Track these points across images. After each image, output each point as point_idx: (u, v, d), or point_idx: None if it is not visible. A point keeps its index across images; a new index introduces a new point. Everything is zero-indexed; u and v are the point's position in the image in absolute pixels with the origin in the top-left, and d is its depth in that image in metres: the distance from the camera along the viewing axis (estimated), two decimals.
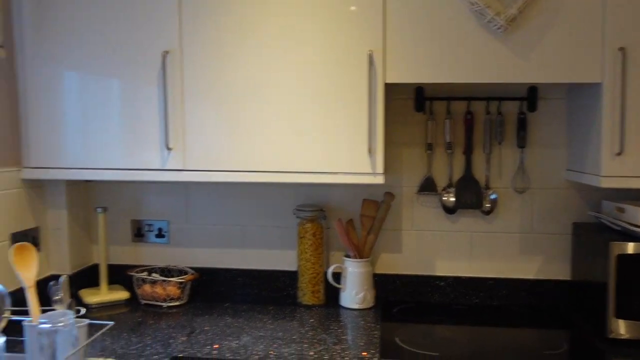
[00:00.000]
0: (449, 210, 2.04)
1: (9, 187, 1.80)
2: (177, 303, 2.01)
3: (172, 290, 1.99)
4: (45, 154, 1.85)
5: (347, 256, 2.00)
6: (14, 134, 1.83)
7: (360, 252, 2.00)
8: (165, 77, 1.76)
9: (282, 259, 2.14)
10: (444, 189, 2.04)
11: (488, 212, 2.02)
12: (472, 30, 1.67)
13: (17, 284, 1.66)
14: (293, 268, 2.13)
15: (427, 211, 2.07)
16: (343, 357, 1.56)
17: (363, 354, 1.58)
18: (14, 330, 1.48)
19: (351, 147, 1.72)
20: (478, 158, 2.02)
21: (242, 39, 1.73)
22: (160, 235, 2.17)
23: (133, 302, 2.04)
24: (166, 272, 2.11)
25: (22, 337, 1.44)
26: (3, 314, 1.50)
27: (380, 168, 1.72)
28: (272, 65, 1.73)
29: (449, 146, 2.01)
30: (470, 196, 2.01)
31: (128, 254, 2.19)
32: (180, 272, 2.11)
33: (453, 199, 2.02)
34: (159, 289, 1.99)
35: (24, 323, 1.41)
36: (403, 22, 1.69)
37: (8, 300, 1.52)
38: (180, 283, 2.01)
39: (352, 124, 1.72)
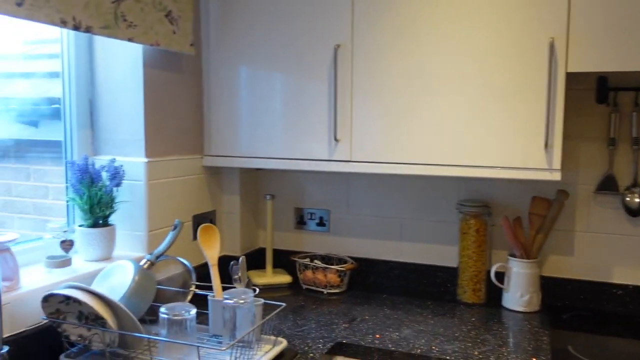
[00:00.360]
0: (632, 212, 1.84)
1: (193, 172, 1.98)
2: (337, 290, 2.06)
3: (333, 277, 2.05)
4: (223, 143, 2.00)
5: (513, 255, 1.91)
6: (199, 125, 2.01)
7: (527, 252, 1.89)
8: (336, 70, 1.80)
9: (441, 254, 2.10)
10: (627, 189, 1.85)
11: None
12: None
13: (197, 260, 1.83)
14: (452, 264, 2.07)
15: (606, 212, 1.89)
16: None
17: (532, 359, 1.50)
18: (193, 302, 1.62)
19: (526, 141, 1.63)
20: None
21: (415, 30, 1.71)
22: (321, 223, 2.24)
23: (295, 286, 2.14)
24: (326, 259, 2.18)
25: (203, 309, 1.58)
26: (190, 287, 1.65)
27: (557, 164, 1.60)
28: (444, 56, 1.69)
29: (636, 142, 1.81)
30: None
31: (290, 240, 2.30)
32: (340, 260, 2.16)
33: (638, 200, 1.83)
34: (320, 276, 2.06)
35: (210, 297, 1.55)
36: (589, 5, 1.55)
37: (194, 276, 1.67)
38: (341, 271, 2.06)
39: (528, 116, 1.62)
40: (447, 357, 1.50)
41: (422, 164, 1.75)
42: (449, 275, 2.08)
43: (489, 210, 1.96)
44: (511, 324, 1.78)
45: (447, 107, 1.70)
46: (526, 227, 1.94)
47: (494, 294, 1.96)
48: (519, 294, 1.87)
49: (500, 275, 1.92)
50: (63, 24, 1.39)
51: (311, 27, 1.83)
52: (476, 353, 1.53)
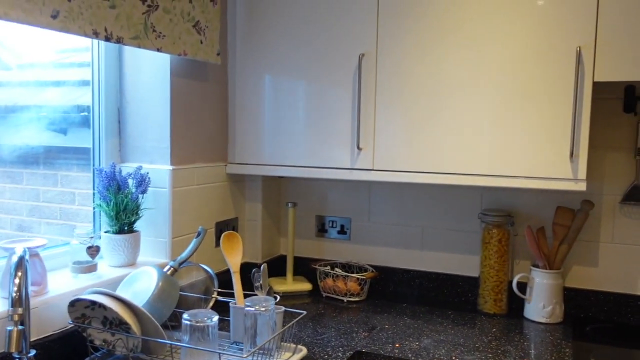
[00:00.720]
0: None
1: (216, 180, 2.01)
2: (357, 299, 2.07)
3: (353, 286, 2.06)
4: (246, 152, 2.02)
5: (535, 266, 1.89)
6: (223, 133, 2.04)
7: (550, 262, 1.87)
8: (360, 79, 1.81)
9: (463, 264, 2.09)
10: None
11: None
12: None
13: (218, 267, 1.85)
14: (474, 274, 2.06)
15: (632, 223, 1.86)
16: None
17: None
18: (215, 308, 1.64)
19: (551, 150, 1.61)
20: None
21: (439, 39, 1.72)
22: (342, 231, 2.25)
23: (314, 293, 2.15)
24: (346, 267, 2.18)
25: (224, 315, 1.60)
26: (212, 294, 1.68)
27: (582, 174, 1.58)
28: (469, 65, 1.68)
29: None
30: None
31: (311, 248, 2.31)
32: (360, 268, 2.16)
33: None
34: (340, 284, 2.07)
35: (231, 304, 1.57)
36: (617, 14, 1.53)
37: (216, 282, 1.69)
38: (361, 279, 2.06)
39: (554, 125, 1.60)
40: None
41: (445, 173, 1.75)
42: (470, 285, 2.06)
43: (512, 220, 1.95)
44: (533, 335, 1.76)
45: (471, 116, 1.69)
46: (550, 238, 1.91)
47: (515, 305, 1.94)
48: (541, 304, 1.85)
49: (523, 286, 1.91)
50: (95, 35, 1.43)
51: (336, 35, 1.84)
52: None
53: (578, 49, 1.56)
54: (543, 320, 1.85)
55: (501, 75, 1.65)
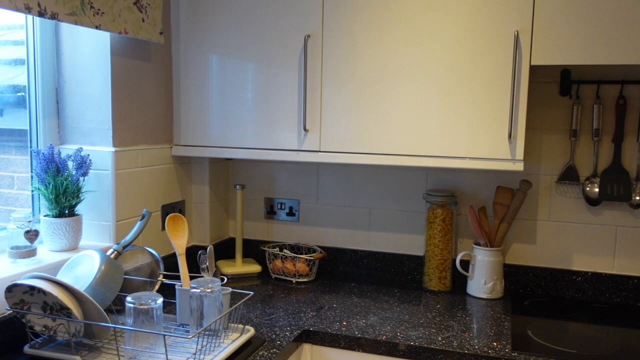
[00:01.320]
0: (592, 201, 1.91)
1: (162, 162, 1.97)
2: (305, 279, 2.09)
3: (302, 267, 2.07)
4: (192, 133, 1.99)
5: (477, 244, 1.95)
6: (168, 114, 2.00)
7: (491, 240, 1.94)
8: (306, 61, 1.81)
9: (408, 243, 2.14)
10: (587, 179, 1.91)
11: (637, 206, 1.86)
12: (630, 6, 1.53)
13: (165, 250, 1.83)
14: (419, 253, 2.12)
15: (567, 202, 1.96)
16: (473, 345, 1.53)
17: (494, 344, 1.54)
18: (161, 291, 1.63)
19: (490, 132, 1.67)
20: (629, 147, 1.86)
21: (385, 21, 1.73)
22: (291, 213, 2.26)
23: (264, 275, 2.15)
24: (295, 249, 2.20)
25: (171, 299, 1.59)
26: (158, 277, 1.65)
27: (520, 154, 1.64)
28: (414, 47, 1.71)
29: (597, 133, 1.87)
30: (618, 188, 1.86)
31: (260, 230, 2.31)
32: (309, 249, 2.18)
33: (597, 190, 1.89)
34: (289, 265, 2.08)
35: (177, 287, 1.55)
36: None
37: (162, 265, 1.67)
38: (310, 260, 2.08)
39: (493, 108, 1.66)
40: (412, 343, 1.54)
41: (391, 154, 1.78)
42: (415, 263, 2.12)
43: (455, 200, 2.01)
44: (475, 310, 1.83)
45: (416, 98, 1.73)
46: (491, 217, 1.98)
47: (459, 282, 2.01)
48: (483, 281, 1.92)
49: (465, 264, 1.97)
50: (27, 10, 1.36)
51: (282, 16, 1.83)
52: (440, 339, 1.58)
53: (516, 33, 1.61)
54: (485, 296, 1.93)
55: (445, 59, 1.69)
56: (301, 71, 1.82)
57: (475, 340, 1.57)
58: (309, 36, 1.80)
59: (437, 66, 1.69)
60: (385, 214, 2.16)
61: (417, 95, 1.72)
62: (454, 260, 1.99)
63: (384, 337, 1.58)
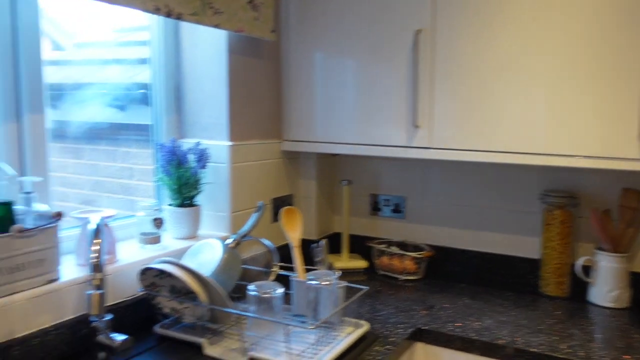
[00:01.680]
0: None
1: (272, 157, 2.02)
2: (413, 277, 2.05)
3: (409, 264, 2.04)
4: (300, 129, 2.02)
5: (600, 249, 1.82)
6: (278, 110, 2.04)
7: (616, 246, 1.80)
8: (418, 56, 1.77)
9: (521, 245, 2.04)
10: None
11: None
12: None
13: (277, 242, 1.86)
14: (532, 255, 2.01)
15: None
16: (601, 357, 1.43)
17: (625, 357, 1.43)
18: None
19: (617, 129, 1.54)
20: None
21: (499, 14, 1.66)
22: (396, 210, 2.23)
23: (370, 271, 2.14)
24: (402, 246, 2.16)
25: (286, 290, 1.61)
26: (272, 268, 1.69)
27: None
28: (528, 40, 1.62)
29: None
30: None
31: (365, 226, 2.30)
32: (416, 247, 2.14)
33: None
34: (396, 262, 2.05)
35: (293, 278, 1.57)
36: None
37: (277, 256, 1.70)
38: (418, 258, 2.04)
39: (621, 103, 1.53)
40: (534, 350, 1.47)
41: (503, 151, 1.70)
42: (529, 266, 2.01)
43: (576, 202, 1.88)
44: (598, 319, 1.71)
45: (530, 92, 1.63)
46: (616, 220, 1.85)
47: (578, 288, 1.89)
48: (606, 289, 1.79)
49: (586, 269, 1.85)
50: (156, 10, 1.44)
51: (390, 11, 1.80)
52: (563, 347, 1.49)
53: None
54: (608, 304, 1.79)
55: (562, 50, 1.58)
56: (411, 67, 1.79)
57: (604, 352, 1.46)
58: (420, 31, 1.76)
59: (553, 61, 1.59)
60: (495, 213, 2.07)
61: (530, 89, 1.62)
62: (573, 265, 1.87)
63: (503, 341, 1.52)
